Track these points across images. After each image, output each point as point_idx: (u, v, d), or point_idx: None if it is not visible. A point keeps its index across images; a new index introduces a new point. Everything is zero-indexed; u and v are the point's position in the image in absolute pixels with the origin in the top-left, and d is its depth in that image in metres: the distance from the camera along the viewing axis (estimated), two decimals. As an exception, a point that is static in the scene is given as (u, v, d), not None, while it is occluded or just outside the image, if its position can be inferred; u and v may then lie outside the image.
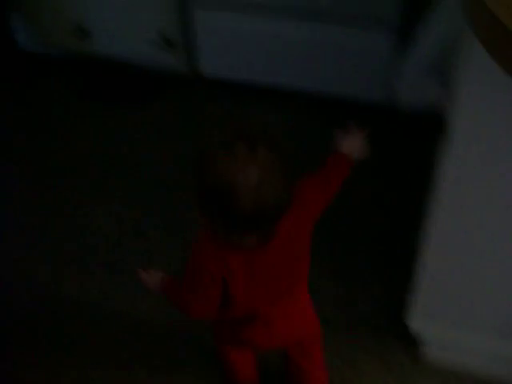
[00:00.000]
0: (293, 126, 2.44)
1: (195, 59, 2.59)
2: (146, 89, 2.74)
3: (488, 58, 0.89)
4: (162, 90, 2.70)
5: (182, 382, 1.71)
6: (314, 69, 2.41)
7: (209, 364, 1.70)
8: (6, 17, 2.75)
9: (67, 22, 2.71)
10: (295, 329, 1.30)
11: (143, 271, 1.29)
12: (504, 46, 0.84)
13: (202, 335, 1.75)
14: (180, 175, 2.24)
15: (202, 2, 2.40)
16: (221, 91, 2.61)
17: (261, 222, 1.03)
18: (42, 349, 1.80)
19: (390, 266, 1.93)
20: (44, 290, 1.94)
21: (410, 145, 2.30)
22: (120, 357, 1.76)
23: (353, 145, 1.23)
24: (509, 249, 1.30)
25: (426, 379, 1.67)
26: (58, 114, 2.68)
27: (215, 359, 1.60)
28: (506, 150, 1.15)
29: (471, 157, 1.20)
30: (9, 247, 2.09)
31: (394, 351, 1.72)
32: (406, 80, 1.42)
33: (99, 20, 2.66)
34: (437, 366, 1.67)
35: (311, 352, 1.42)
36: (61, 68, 2.93)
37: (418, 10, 1.82)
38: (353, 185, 1.35)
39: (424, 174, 1.38)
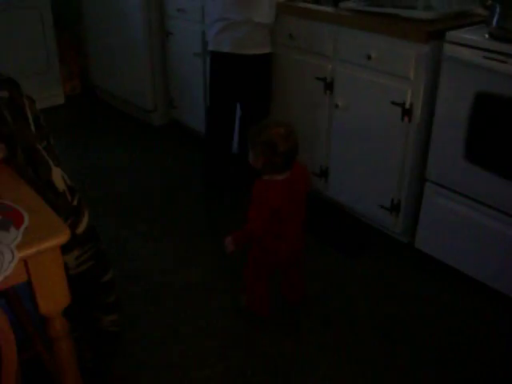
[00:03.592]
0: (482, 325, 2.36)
1: (412, 229, 2.65)
2: (360, 239, 2.84)
3: None
4: (373, 244, 2.81)
5: None
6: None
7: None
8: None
9: (312, 161, 2.97)
10: (300, 246, 2.33)
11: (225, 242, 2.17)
12: None
13: None
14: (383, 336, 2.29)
15: (436, 181, 2.47)
16: (429, 266, 2.66)
17: (288, 161, 2.07)
18: None
19: None
20: None
21: None
22: None
23: None
24: None
25: None
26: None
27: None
28: None
29: None
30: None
31: None
32: None
33: (339, 168, 2.86)
34: None
35: (299, 262, 2.39)
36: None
37: None
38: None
39: None
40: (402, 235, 2.80)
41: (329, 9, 2.80)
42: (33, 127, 1.79)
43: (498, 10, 2.24)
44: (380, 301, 2.48)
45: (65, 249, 1.61)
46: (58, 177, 1.76)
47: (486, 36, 2.24)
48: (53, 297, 1.46)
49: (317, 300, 2.49)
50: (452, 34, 2.31)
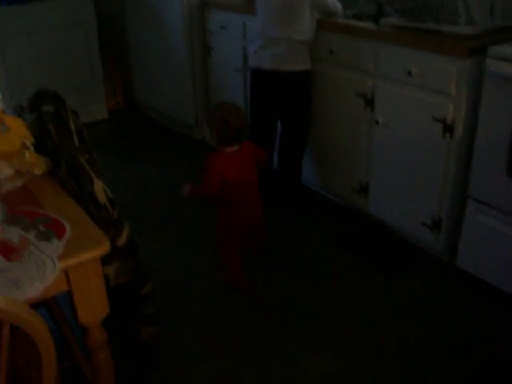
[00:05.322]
0: None
1: (454, 246, 2.62)
2: (400, 256, 2.82)
3: None
4: (413, 262, 2.81)
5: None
6: None
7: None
8: (300, 156, 3.13)
9: (352, 177, 2.97)
10: (259, 215, 2.58)
11: (183, 187, 2.48)
12: None
13: None
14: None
15: (478, 198, 2.43)
16: (471, 285, 2.61)
17: (238, 135, 2.40)
18: None
19: None
20: None
21: None
22: None
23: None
24: None
25: None
26: (314, 253, 2.90)
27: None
28: None
29: None
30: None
31: None
32: None
33: (379, 185, 2.85)
34: None
35: (260, 228, 2.66)
36: (334, 211, 3.18)
37: None
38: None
39: None
40: (443, 253, 2.76)
41: (370, 25, 2.80)
42: (76, 141, 1.83)
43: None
44: (418, 319, 2.45)
45: (105, 260, 1.64)
46: (99, 189, 1.80)
47: (530, 51, 2.21)
48: (92, 307, 1.48)
49: (352, 316, 2.48)
50: (494, 49, 2.28)
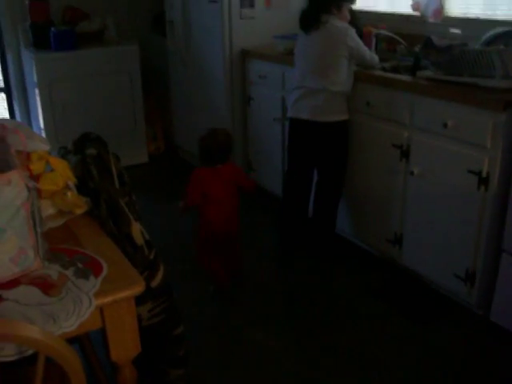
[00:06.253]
0: None
1: (488, 300, 2.59)
2: (432, 308, 2.82)
3: None
4: (445, 314, 2.79)
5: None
6: None
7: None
8: (335, 205, 3.15)
9: (386, 227, 2.97)
10: (231, 223, 2.94)
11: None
12: None
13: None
14: None
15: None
16: (505, 340, 2.56)
17: (216, 157, 2.84)
18: None
19: None
20: None
21: None
22: None
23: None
24: None
25: None
26: (346, 302, 2.90)
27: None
28: None
29: None
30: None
31: None
32: None
33: (413, 236, 2.85)
34: None
35: (234, 242, 3.01)
36: (367, 261, 3.17)
37: None
38: None
39: None
40: (476, 306, 2.72)
41: (406, 77, 2.85)
42: (117, 183, 1.90)
43: None
44: (449, 372, 2.41)
45: (139, 300, 1.68)
46: (137, 231, 1.85)
47: None
48: (124, 345, 1.52)
49: (382, 366, 2.45)
50: (530, 104, 2.30)
